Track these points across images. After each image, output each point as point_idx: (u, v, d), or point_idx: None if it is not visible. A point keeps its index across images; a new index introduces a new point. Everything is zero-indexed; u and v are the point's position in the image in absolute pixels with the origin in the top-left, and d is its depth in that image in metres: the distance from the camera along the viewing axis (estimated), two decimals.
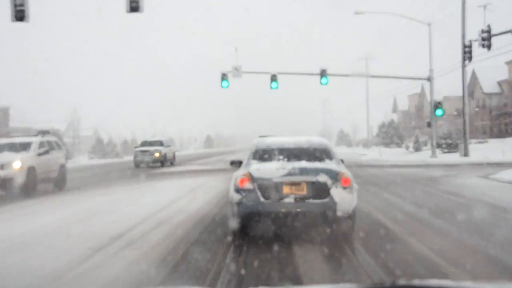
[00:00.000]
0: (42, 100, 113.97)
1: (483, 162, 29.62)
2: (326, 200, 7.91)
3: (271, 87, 37.12)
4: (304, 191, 7.95)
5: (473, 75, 62.05)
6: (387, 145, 69.48)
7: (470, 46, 29.96)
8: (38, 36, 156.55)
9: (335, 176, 8.06)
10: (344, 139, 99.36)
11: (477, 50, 32.20)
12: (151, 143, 37.74)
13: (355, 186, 8.31)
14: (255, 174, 8.13)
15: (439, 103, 36.37)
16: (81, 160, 63.23)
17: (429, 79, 37.13)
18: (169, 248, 7.77)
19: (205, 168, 30.62)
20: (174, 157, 39.21)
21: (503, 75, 57.21)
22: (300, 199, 7.93)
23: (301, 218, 8.43)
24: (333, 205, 7.87)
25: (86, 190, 18.38)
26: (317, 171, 8.09)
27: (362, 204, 11.89)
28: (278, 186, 7.95)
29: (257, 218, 8.39)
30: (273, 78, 37.04)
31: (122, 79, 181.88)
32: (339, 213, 7.93)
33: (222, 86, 36.97)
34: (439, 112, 36.46)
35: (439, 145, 46.40)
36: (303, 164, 8.38)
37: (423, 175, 21.86)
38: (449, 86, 68.48)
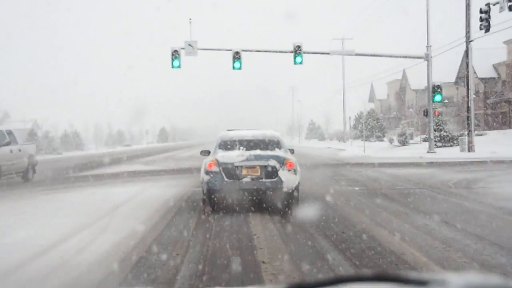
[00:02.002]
0: None
1: (492, 158, 25.52)
2: (275, 179, 10.66)
3: (234, 67, 32.22)
4: (258, 173, 10.73)
5: (466, 57, 57.99)
6: (366, 138, 65.18)
7: (487, 12, 25.38)
8: None
9: (282, 161, 10.82)
10: (315, 131, 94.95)
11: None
12: None
13: (298, 169, 11.06)
14: (221, 159, 10.89)
15: (439, 86, 32.05)
16: None
17: (426, 57, 32.66)
18: None
19: (149, 169, 25.42)
20: (31, 165, 20.87)
21: (500, 57, 53.17)
22: (255, 179, 10.73)
23: (256, 193, 10.92)
24: (280, 183, 10.61)
25: None
26: (268, 157, 10.88)
27: (405, 249, 6.97)
28: (238, 169, 10.74)
29: (222, 193, 10.98)
30: (236, 56, 32.12)
31: (63, 69, 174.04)
32: (285, 189, 10.65)
33: (173, 66, 31.82)
34: (438, 97, 32.32)
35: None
36: (258, 152, 11.14)
37: (441, 178, 17.23)
38: (435, 72, 64.95)
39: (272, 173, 10.61)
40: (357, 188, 14.76)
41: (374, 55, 34.13)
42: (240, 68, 32.28)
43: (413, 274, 1.20)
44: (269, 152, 11.14)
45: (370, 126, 63.53)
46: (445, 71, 62.55)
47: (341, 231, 8.29)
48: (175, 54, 31.71)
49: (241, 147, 11.33)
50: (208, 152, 11.90)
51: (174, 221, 9.68)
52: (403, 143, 50.17)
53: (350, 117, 55.59)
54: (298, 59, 31.93)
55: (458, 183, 15.77)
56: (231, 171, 10.64)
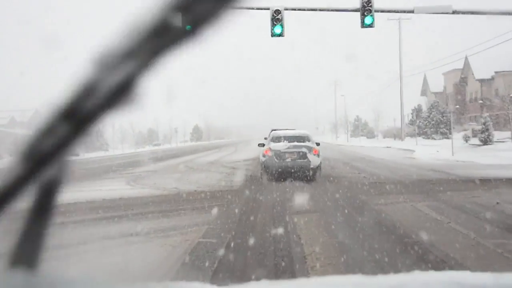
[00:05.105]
0: None
1: None
2: (306, 160, 16.65)
3: (273, 33, 20.62)
4: (295, 156, 16.73)
5: None
6: (428, 135, 52.83)
7: None
8: None
9: (310, 149, 16.94)
10: (361, 128, 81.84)
11: None
12: None
13: (321, 154, 17.39)
14: (272, 148, 17.01)
15: None
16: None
17: None
18: None
19: (123, 195, 13.87)
20: None
21: None
22: (294, 160, 16.72)
23: (294, 168, 16.66)
24: (309, 162, 16.60)
25: None
26: (301, 147, 16.99)
27: None
28: (283, 154, 16.76)
29: (273, 169, 16.77)
30: (276, 16, 20.70)
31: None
32: (311, 166, 16.63)
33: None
34: None
35: None
36: (295, 143, 17.29)
37: None
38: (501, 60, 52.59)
39: (304, 156, 16.70)
40: None
41: (478, 13, 22.05)
42: (281, 34, 20.70)
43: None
44: (302, 143, 17.31)
45: (434, 121, 51.10)
46: None
47: None
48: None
49: (285, 140, 17.60)
50: (263, 144, 18.42)
51: None
52: (485, 141, 37.82)
53: (413, 109, 43.14)
54: (368, 20, 20.17)
55: None
56: (278, 155, 16.75)
